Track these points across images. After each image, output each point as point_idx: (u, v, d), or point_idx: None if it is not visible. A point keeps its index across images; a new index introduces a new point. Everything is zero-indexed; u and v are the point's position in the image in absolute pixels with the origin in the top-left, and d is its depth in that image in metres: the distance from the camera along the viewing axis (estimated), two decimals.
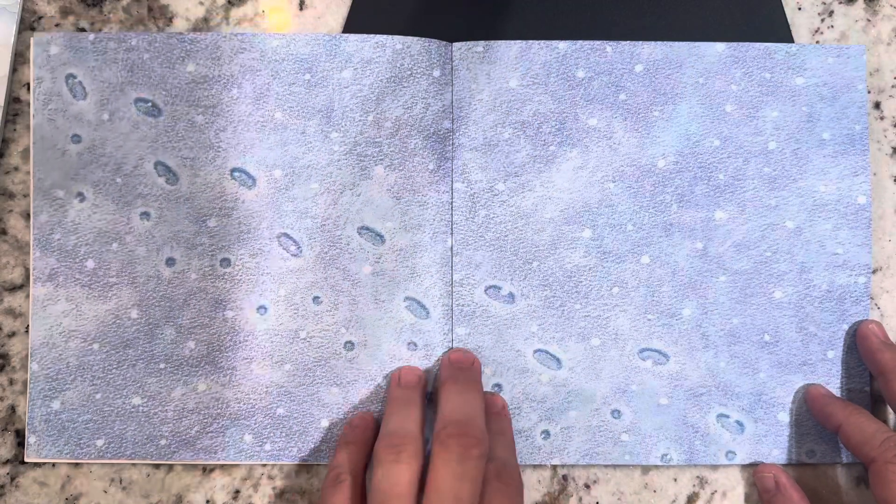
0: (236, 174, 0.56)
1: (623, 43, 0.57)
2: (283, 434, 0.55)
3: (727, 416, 0.56)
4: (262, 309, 0.56)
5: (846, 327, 0.56)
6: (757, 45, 0.57)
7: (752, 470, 0.56)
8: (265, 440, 0.55)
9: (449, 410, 0.51)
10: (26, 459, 0.55)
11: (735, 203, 0.56)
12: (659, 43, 0.57)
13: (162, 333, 0.56)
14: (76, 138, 0.56)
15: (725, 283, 0.56)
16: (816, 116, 0.57)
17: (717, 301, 0.56)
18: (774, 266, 0.56)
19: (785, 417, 0.56)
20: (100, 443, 0.55)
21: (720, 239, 0.56)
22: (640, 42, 0.57)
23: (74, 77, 0.56)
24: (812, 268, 0.56)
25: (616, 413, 0.56)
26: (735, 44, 0.57)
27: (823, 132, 0.57)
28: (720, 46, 0.57)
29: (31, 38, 0.57)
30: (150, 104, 0.56)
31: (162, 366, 0.56)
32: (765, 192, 0.56)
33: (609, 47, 0.57)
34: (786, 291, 0.56)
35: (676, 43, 0.57)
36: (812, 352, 0.56)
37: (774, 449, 0.56)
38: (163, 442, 0.55)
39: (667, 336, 0.56)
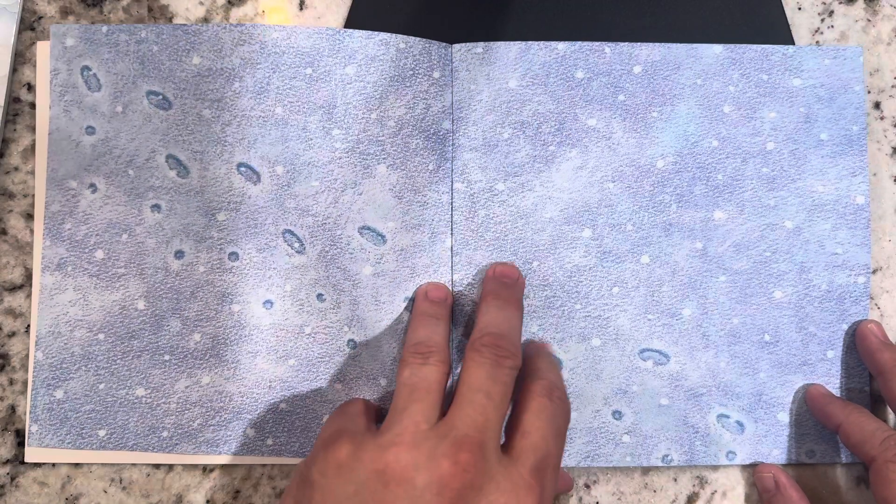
0: (242, 169, 0.56)
1: (621, 44, 0.57)
2: (286, 429, 0.55)
3: (727, 417, 0.56)
4: (267, 303, 0.56)
5: (846, 327, 0.56)
6: (754, 46, 0.57)
7: (752, 470, 0.56)
8: (267, 435, 0.55)
9: (486, 323, 0.51)
10: (27, 447, 0.55)
11: (734, 203, 0.57)
12: (657, 44, 0.57)
13: (168, 325, 0.56)
14: (90, 130, 0.56)
15: (725, 283, 0.56)
16: (814, 117, 0.57)
17: (717, 301, 0.56)
18: (774, 266, 0.56)
19: (785, 417, 0.56)
20: (102, 433, 0.55)
21: (719, 239, 0.56)
22: (639, 44, 0.57)
23: (89, 69, 0.56)
24: (811, 268, 0.56)
25: (617, 414, 0.56)
26: (732, 46, 0.57)
27: (821, 133, 0.57)
28: (717, 48, 0.57)
29: (50, 28, 0.57)
30: (160, 97, 0.56)
31: (167, 357, 0.56)
32: (763, 193, 0.57)
33: (608, 48, 0.57)
34: (785, 291, 0.56)
35: (674, 45, 0.57)
36: (812, 352, 0.56)
37: (774, 449, 0.56)
38: (165, 434, 0.55)
39: (667, 336, 0.56)
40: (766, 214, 0.57)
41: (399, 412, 0.47)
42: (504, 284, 0.54)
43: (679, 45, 0.57)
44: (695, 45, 0.57)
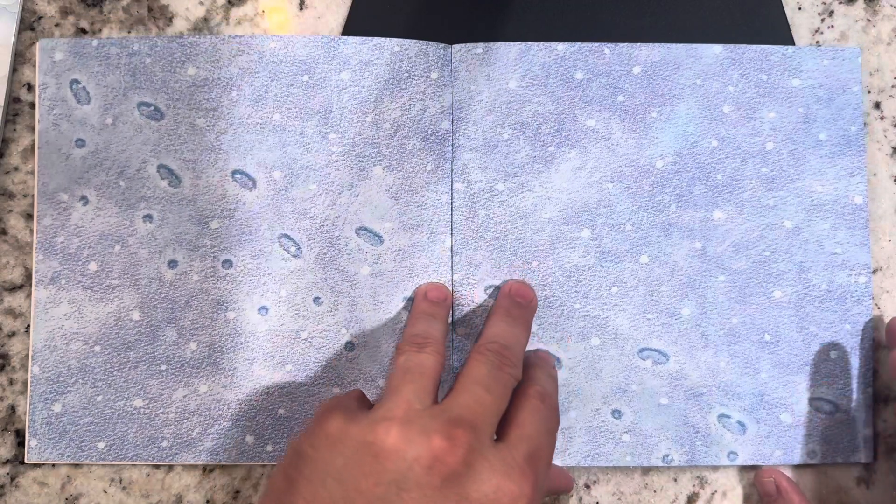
0: (237, 176, 0.56)
1: (621, 45, 0.57)
2: (285, 435, 0.55)
3: (728, 417, 0.56)
4: (263, 310, 0.56)
5: (849, 327, 0.56)
6: (753, 46, 0.57)
7: (754, 472, 0.56)
8: (266, 441, 0.55)
9: (493, 333, 0.52)
10: (27, 462, 0.55)
11: (733, 203, 0.56)
12: (656, 45, 0.57)
13: (163, 335, 0.56)
14: (80, 143, 0.56)
15: (724, 283, 0.56)
16: (813, 118, 0.57)
17: (716, 301, 0.56)
18: (773, 266, 0.56)
19: (788, 418, 0.56)
20: (101, 445, 0.55)
21: (719, 239, 0.56)
22: (638, 44, 0.57)
23: (79, 83, 0.57)
24: (811, 267, 0.56)
25: (616, 413, 0.56)
26: (732, 46, 0.57)
27: (820, 133, 0.57)
28: (717, 48, 0.57)
29: (37, 44, 0.57)
30: (152, 108, 0.56)
31: (163, 367, 0.56)
32: (763, 193, 0.57)
33: (607, 49, 0.57)
34: (785, 291, 0.56)
35: (674, 45, 0.57)
36: (814, 352, 0.56)
37: (777, 450, 0.56)
38: (164, 444, 0.55)
39: (666, 336, 0.56)
40: (766, 214, 0.56)
41: (392, 391, 0.47)
42: (517, 304, 0.55)
43: (679, 45, 0.57)
44: (694, 46, 0.57)
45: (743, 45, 0.57)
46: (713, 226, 0.56)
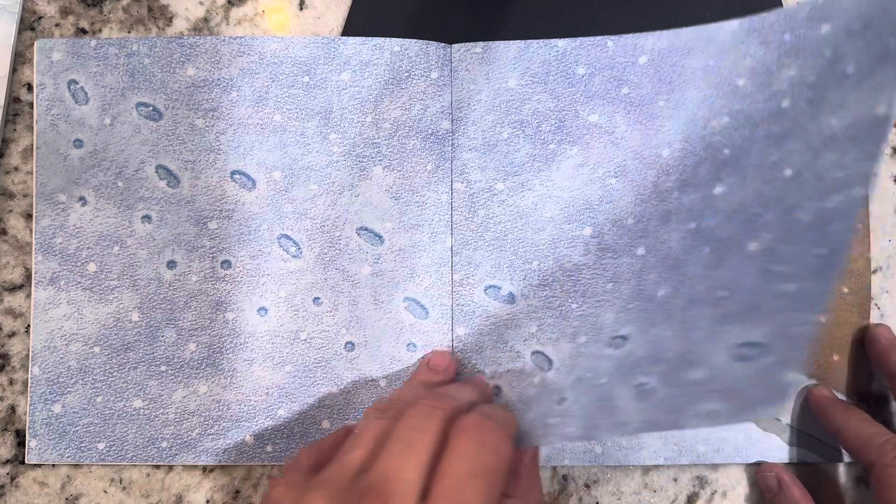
0: (236, 176, 0.56)
1: (626, 36, 0.57)
2: (285, 435, 0.56)
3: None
4: (262, 310, 0.56)
5: (822, 251, 0.48)
6: (776, 11, 0.54)
7: (755, 469, 0.56)
8: (266, 442, 0.55)
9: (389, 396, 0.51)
10: (27, 462, 0.55)
11: (738, 173, 0.53)
12: (664, 32, 0.56)
13: (163, 336, 0.56)
14: (78, 143, 0.56)
15: (708, 255, 0.51)
16: (841, 54, 0.51)
17: (694, 275, 0.52)
18: (760, 220, 0.51)
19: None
20: (101, 446, 0.55)
21: (712, 211, 0.53)
22: (644, 34, 0.57)
23: (76, 83, 0.57)
24: (802, 204, 0.48)
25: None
26: (752, 17, 0.55)
27: (848, 65, 0.50)
28: (733, 24, 0.55)
29: (35, 44, 0.57)
30: (151, 108, 0.56)
31: (163, 368, 0.56)
32: (770, 150, 0.52)
33: (610, 42, 0.57)
34: (762, 240, 0.52)
35: (683, 29, 0.56)
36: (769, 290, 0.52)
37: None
38: (164, 444, 0.55)
39: (637, 320, 0.54)
40: (768, 172, 0.51)
41: (339, 454, 0.45)
42: (432, 371, 0.54)
43: (688, 29, 0.56)
44: (706, 27, 0.56)
45: (762, 14, 0.55)
46: (711, 201, 0.54)
